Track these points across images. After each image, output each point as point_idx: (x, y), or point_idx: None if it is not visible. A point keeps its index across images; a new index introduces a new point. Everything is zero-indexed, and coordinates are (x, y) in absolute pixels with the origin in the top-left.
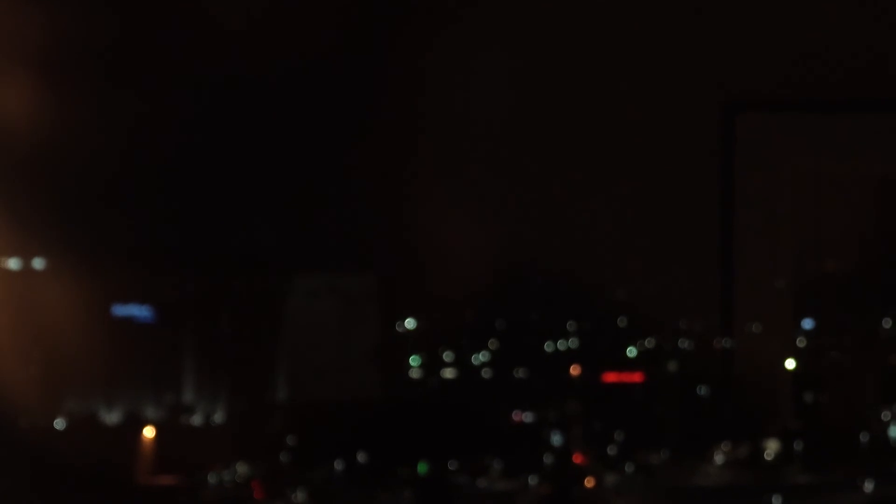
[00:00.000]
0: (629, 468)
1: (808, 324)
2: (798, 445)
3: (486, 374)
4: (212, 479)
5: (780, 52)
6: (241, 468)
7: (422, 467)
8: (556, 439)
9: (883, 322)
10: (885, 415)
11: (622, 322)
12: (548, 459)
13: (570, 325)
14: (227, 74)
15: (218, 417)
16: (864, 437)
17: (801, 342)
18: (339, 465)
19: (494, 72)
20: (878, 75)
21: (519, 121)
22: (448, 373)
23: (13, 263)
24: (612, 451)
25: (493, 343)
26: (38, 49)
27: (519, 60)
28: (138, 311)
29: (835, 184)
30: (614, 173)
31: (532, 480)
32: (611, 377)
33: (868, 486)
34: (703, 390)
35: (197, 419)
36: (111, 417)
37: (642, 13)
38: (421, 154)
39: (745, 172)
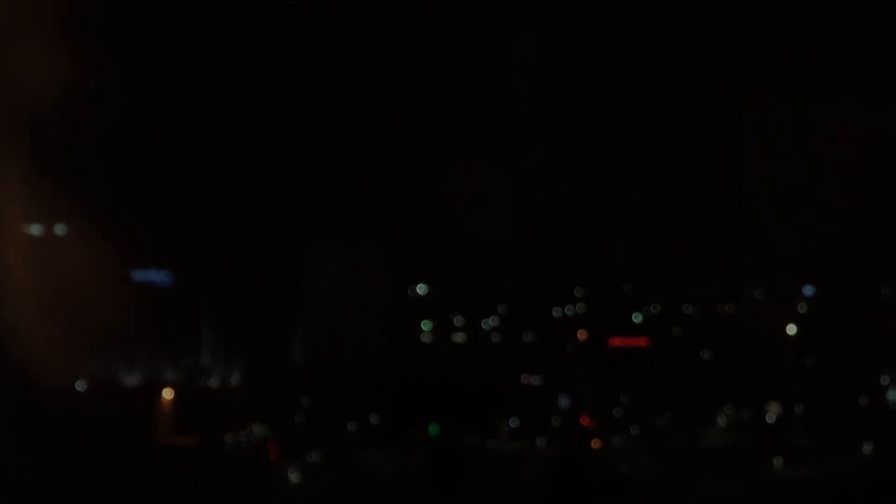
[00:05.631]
0: (635, 430)
1: (809, 290)
2: (799, 409)
3: (495, 338)
4: (229, 439)
5: (788, 24)
6: (258, 429)
7: (433, 429)
8: (564, 402)
9: (882, 288)
10: (884, 379)
11: (628, 288)
12: (555, 422)
13: (577, 291)
14: (243, 46)
15: (234, 380)
16: (863, 401)
17: (802, 308)
18: (352, 427)
19: (506, 47)
20: (884, 46)
21: (529, 92)
22: (458, 337)
23: (35, 229)
24: (617, 413)
25: (501, 308)
26: (59, 17)
27: (526, 37)
28: (157, 276)
29: (838, 152)
30: (621, 143)
31: (540, 442)
32: (617, 342)
33: (867, 449)
34: (706, 355)
35: (214, 381)
36: (131, 380)
37: None
38: (433, 122)
39: (750, 141)
